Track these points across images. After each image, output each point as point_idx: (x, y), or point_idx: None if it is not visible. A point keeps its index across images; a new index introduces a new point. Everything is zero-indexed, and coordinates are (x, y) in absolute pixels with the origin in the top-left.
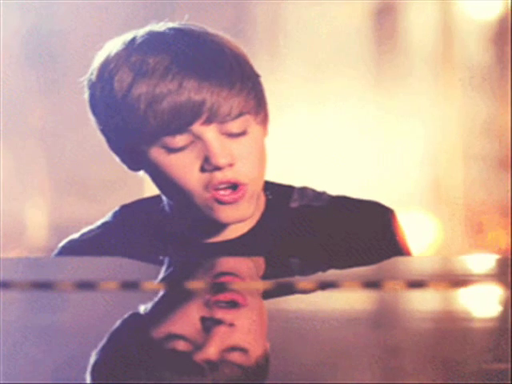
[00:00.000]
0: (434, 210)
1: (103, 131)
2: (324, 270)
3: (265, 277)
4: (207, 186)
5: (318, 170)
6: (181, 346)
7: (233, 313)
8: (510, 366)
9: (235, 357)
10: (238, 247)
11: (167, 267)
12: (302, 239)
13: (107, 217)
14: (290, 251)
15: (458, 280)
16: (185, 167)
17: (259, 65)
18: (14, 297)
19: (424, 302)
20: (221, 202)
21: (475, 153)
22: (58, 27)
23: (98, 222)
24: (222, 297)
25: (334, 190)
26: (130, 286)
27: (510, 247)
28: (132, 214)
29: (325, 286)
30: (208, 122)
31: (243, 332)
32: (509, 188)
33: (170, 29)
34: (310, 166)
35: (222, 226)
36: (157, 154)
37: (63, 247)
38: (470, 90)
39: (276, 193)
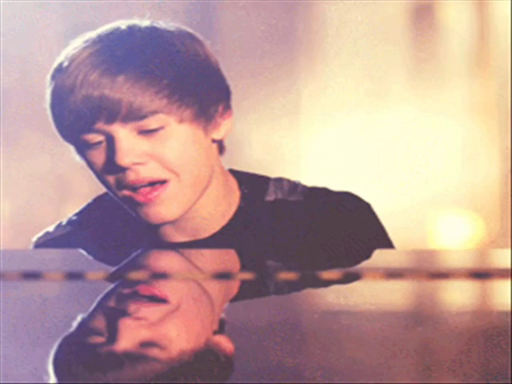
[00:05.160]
0: (472, 207)
1: None
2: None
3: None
4: (122, 185)
5: (358, 171)
6: (95, 340)
7: (147, 307)
8: (510, 365)
9: (149, 352)
10: (212, 245)
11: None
12: (278, 235)
13: (81, 209)
14: (266, 248)
15: (494, 273)
16: (101, 164)
17: (298, 68)
18: None
19: (461, 295)
20: (138, 202)
21: None
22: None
23: (73, 215)
24: (138, 288)
25: (371, 189)
26: (75, 276)
27: None
28: (104, 206)
29: (392, 274)
30: (111, 120)
31: (160, 328)
32: None
33: (116, 27)
34: (351, 166)
35: (188, 225)
36: (80, 149)
37: (37, 244)
38: (506, 88)
39: (251, 186)
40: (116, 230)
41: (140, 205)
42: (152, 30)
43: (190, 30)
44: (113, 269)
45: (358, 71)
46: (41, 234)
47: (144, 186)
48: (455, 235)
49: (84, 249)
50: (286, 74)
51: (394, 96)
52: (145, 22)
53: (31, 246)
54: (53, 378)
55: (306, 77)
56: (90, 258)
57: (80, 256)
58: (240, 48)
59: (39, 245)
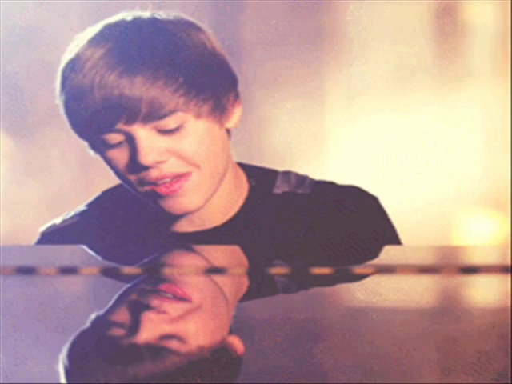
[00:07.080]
0: (496, 205)
1: None
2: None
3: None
4: (145, 182)
5: (382, 169)
6: (116, 332)
7: (170, 302)
8: (510, 365)
9: (168, 345)
10: (218, 236)
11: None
12: (285, 228)
13: (89, 202)
14: (272, 240)
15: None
16: (122, 163)
17: (323, 69)
18: None
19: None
20: (160, 195)
21: None
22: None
23: (81, 207)
24: (161, 286)
25: (396, 186)
26: (69, 271)
27: None
28: (113, 199)
29: (384, 270)
30: (131, 120)
31: (180, 324)
32: None
33: (120, 19)
34: (375, 164)
35: (196, 216)
36: (100, 147)
37: (43, 234)
38: None
39: (259, 179)
40: (123, 222)
41: (162, 197)
42: (155, 23)
43: (190, 19)
44: (109, 263)
45: (382, 71)
46: (48, 224)
47: (166, 182)
48: (479, 232)
49: (89, 240)
50: (311, 74)
51: (418, 95)
52: (146, 14)
53: (38, 236)
54: (64, 374)
55: (331, 78)
56: (92, 252)
57: (77, 251)
58: (265, 48)
59: (45, 235)
